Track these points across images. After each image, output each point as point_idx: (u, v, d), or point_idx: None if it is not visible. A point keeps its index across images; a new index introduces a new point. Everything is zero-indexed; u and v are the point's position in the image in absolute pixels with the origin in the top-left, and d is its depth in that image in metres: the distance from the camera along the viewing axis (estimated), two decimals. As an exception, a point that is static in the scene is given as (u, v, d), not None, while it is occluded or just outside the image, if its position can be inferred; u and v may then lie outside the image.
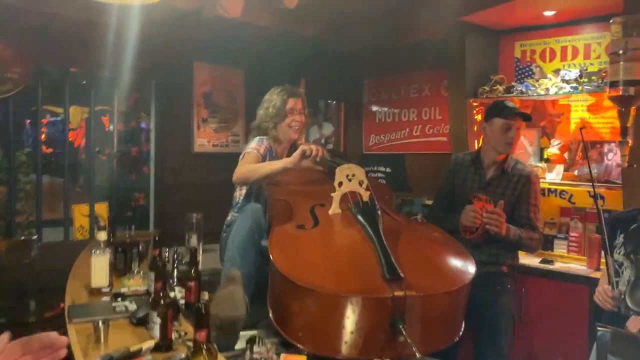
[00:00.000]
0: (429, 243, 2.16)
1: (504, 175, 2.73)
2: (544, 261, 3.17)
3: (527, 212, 2.70)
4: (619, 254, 2.23)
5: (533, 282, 3.06)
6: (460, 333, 1.84)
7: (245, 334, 1.89)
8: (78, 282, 2.33)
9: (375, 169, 4.50)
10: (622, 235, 2.23)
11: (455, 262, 1.94)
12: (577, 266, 3.10)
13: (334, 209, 2.20)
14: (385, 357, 1.60)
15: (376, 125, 4.64)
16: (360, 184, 2.24)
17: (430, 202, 4.01)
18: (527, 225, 2.68)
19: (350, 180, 2.22)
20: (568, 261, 3.18)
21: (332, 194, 2.22)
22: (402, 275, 1.63)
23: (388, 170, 4.48)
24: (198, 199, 4.05)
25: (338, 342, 1.60)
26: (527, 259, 3.11)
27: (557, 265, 3.12)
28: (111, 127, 4.87)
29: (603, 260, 2.54)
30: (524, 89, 3.39)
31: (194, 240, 2.76)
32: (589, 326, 2.70)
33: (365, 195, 2.23)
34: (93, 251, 2.19)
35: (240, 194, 2.76)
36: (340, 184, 2.21)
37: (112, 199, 4.15)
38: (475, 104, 3.59)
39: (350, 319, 1.57)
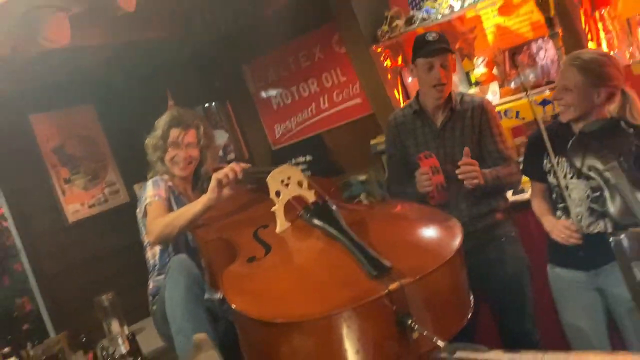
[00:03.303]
0: (400, 221, 2.25)
1: (455, 116, 2.81)
2: (516, 192, 3.26)
3: (494, 144, 2.80)
4: (554, 175, 2.43)
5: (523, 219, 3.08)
6: (472, 305, 1.90)
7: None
8: None
9: (294, 162, 4.57)
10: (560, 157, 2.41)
11: (437, 230, 2.01)
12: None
13: (281, 224, 2.24)
14: None
15: (276, 113, 4.70)
16: (300, 184, 2.29)
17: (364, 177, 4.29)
18: (500, 159, 2.78)
19: (287, 185, 2.26)
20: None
21: (273, 209, 2.25)
22: (389, 265, 1.68)
23: (309, 158, 4.56)
24: (96, 276, 4.14)
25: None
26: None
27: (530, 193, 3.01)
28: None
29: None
30: (425, 15, 3.57)
31: (115, 327, 2.76)
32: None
33: (311, 196, 2.29)
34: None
35: (153, 253, 2.79)
36: (278, 193, 2.25)
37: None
38: (379, 50, 3.76)
39: (351, 338, 1.59)
